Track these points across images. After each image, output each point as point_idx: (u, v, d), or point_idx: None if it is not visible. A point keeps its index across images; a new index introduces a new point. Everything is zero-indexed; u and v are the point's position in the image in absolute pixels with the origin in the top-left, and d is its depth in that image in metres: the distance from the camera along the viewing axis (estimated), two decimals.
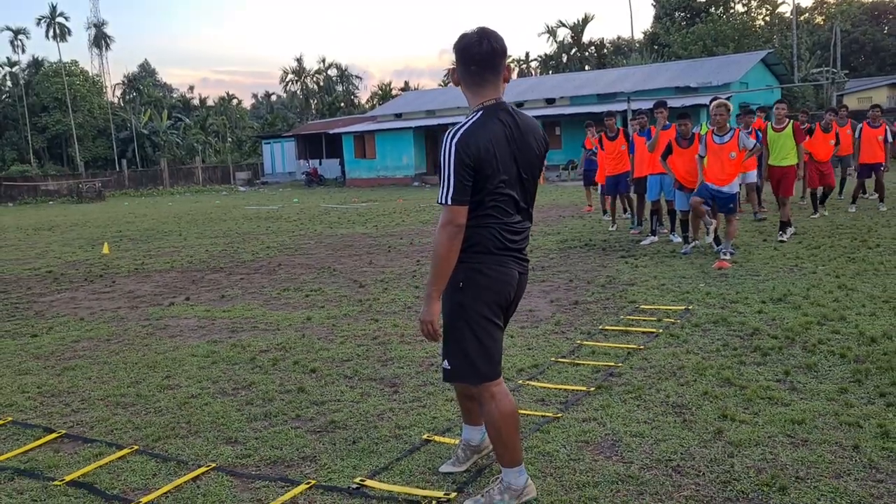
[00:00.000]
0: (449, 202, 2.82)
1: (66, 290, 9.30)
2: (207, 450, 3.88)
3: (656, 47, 54.71)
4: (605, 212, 13.93)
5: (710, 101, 8.89)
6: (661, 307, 6.56)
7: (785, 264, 8.23)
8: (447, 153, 2.85)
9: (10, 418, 4.52)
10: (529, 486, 3.12)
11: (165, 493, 3.39)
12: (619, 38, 71.29)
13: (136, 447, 3.95)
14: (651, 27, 60.70)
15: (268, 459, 3.73)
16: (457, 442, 3.67)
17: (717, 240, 9.24)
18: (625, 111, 28.90)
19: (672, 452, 3.51)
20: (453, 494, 3.21)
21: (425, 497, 3.19)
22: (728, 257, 8.54)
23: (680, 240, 9.90)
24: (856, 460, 3.34)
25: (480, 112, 2.95)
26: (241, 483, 3.47)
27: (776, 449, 3.49)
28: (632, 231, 11.82)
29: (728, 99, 31.77)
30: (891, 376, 4.39)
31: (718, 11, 55.65)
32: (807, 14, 59.94)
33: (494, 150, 2.87)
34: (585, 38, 70.07)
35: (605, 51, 69.81)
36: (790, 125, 10.17)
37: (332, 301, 7.69)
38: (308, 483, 3.40)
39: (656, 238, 10.66)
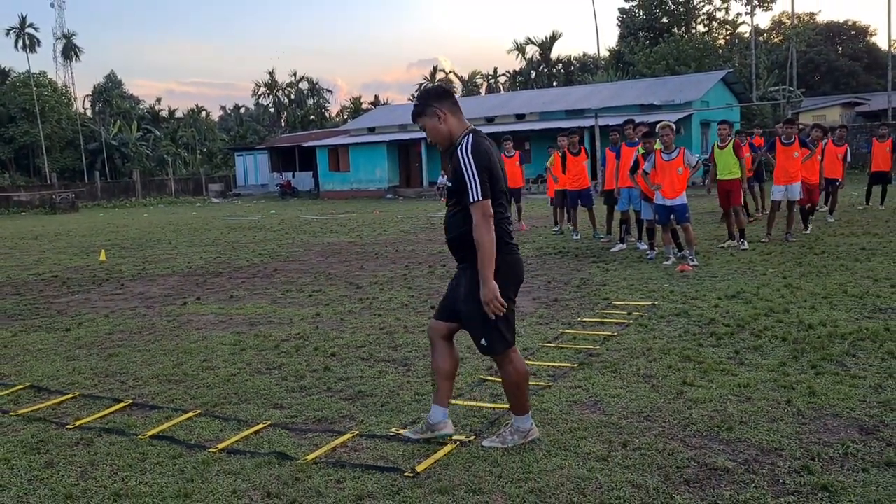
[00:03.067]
0: (479, 197, 3.59)
1: (78, 293, 9.95)
2: (259, 412, 4.67)
3: (621, 65, 56.31)
4: (556, 223, 15.12)
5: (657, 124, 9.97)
6: (630, 303, 7.47)
7: (739, 267, 9.22)
8: (467, 161, 3.62)
9: (78, 393, 5.25)
10: (534, 429, 3.96)
11: (236, 441, 4.17)
12: (585, 55, 73.11)
13: (198, 411, 4.72)
14: (616, 45, 62.42)
15: (313, 419, 4.52)
16: (467, 404, 4.52)
17: (679, 246, 10.21)
18: (592, 127, 30.07)
19: (643, 407, 4.39)
20: (472, 437, 4.04)
21: (451, 440, 4.01)
22: (692, 262, 9.48)
23: (646, 247, 10.85)
24: (787, 410, 4.24)
25: (473, 133, 3.76)
26: (295, 435, 4.26)
27: (725, 404, 4.38)
28: (601, 240, 12.82)
29: (689, 116, 32.70)
30: (822, 353, 5.32)
31: (681, 32, 57.51)
32: (765, 34, 62.13)
33: (494, 158, 3.72)
34: (553, 55, 71.70)
35: (573, 68, 71.45)
36: (731, 143, 11.19)
37: (334, 300, 8.47)
38: (353, 432, 4.21)
39: (625, 245, 11.62)
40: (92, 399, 5.11)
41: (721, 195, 11.25)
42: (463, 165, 3.63)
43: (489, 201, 3.61)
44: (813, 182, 12.38)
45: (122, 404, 4.95)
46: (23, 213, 38.19)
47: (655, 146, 9.96)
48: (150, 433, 4.34)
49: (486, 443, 3.93)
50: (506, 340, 3.81)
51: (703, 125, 35.69)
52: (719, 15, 60.19)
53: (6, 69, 72.09)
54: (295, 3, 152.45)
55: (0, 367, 6.05)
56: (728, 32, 60.65)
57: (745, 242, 10.87)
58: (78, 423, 4.56)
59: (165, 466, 3.84)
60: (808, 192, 12.37)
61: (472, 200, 3.61)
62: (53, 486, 3.66)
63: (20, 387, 5.44)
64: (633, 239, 11.94)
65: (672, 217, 9.70)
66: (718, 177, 11.21)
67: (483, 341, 3.81)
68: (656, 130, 9.84)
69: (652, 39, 56.34)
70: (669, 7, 58.90)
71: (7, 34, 69.81)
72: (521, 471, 3.58)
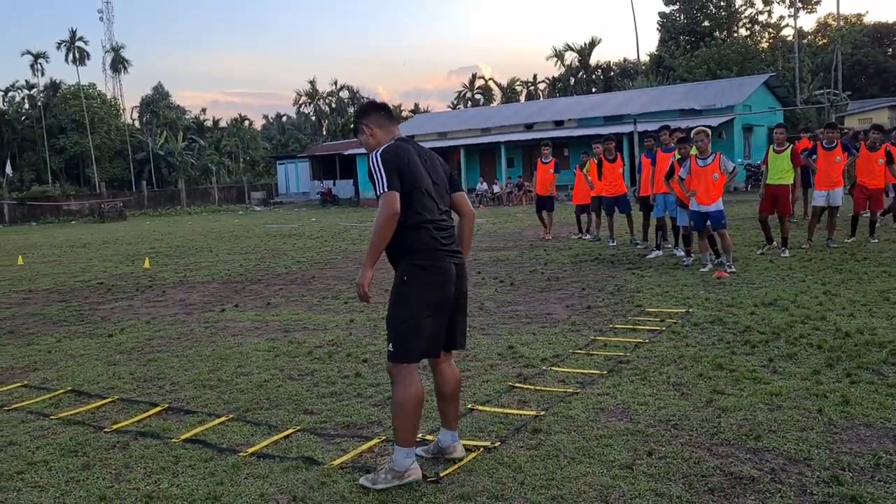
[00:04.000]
0: (385, 189, 3.54)
1: (122, 299, 10.20)
2: (290, 417, 4.75)
3: (661, 70, 55.82)
4: (584, 230, 15.17)
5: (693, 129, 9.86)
6: (664, 310, 7.41)
7: (778, 274, 9.08)
8: (376, 162, 3.61)
9: (116, 397, 5.40)
10: (414, 469, 3.58)
11: (266, 445, 4.25)
12: (625, 60, 72.62)
13: (231, 416, 4.81)
14: (656, 50, 61.88)
15: (342, 424, 4.58)
16: (494, 410, 4.55)
17: (716, 253, 10.09)
18: (631, 133, 29.85)
19: (671, 415, 4.36)
20: (497, 443, 4.06)
21: (476, 446, 4.04)
22: (729, 269, 9.35)
23: (682, 253, 10.74)
24: (818, 419, 4.18)
25: (396, 140, 3.79)
26: (323, 440, 4.33)
27: (755, 412, 4.33)
28: (637, 246, 12.74)
29: (731, 121, 32.42)
30: (858, 362, 5.22)
31: (722, 35, 56.80)
32: (809, 37, 61.01)
33: (409, 160, 3.66)
34: (592, 61, 71.38)
35: (612, 73, 71.02)
36: (790, 148, 10.97)
37: (369, 307, 8.55)
38: (379, 438, 4.26)
39: (661, 252, 11.52)
40: (130, 403, 5.25)
41: (766, 199, 11.06)
42: (371, 167, 3.64)
43: (396, 193, 3.54)
44: (872, 186, 11.68)
45: (158, 408, 5.07)
46: (73, 222, 39.21)
47: (691, 152, 9.87)
48: (183, 437, 4.45)
49: (361, 481, 3.61)
50: (405, 351, 3.62)
51: (746, 130, 35.19)
52: (762, 18, 59.46)
53: (57, 82, 74.28)
54: (336, 12, 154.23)
55: (43, 372, 6.25)
56: (771, 36, 59.76)
57: (787, 250, 10.69)
58: (115, 427, 4.69)
59: (197, 469, 3.93)
60: (867, 197, 11.75)
61: (378, 193, 3.58)
62: (89, 487, 3.77)
63: (61, 391, 5.61)
64: (669, 245, 11.84)
65: (708, 223, 9.59)
66: (768, 181, 11.01)
67: (390, 346, 3.68)
68: (692, 136, 9.75)
69: (693, 43, 55.77)
70: (711, 11, 58.30)
71: (58, 48, 71.98)
72: (545, 478, 3.59)
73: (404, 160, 3.65)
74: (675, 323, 6.79)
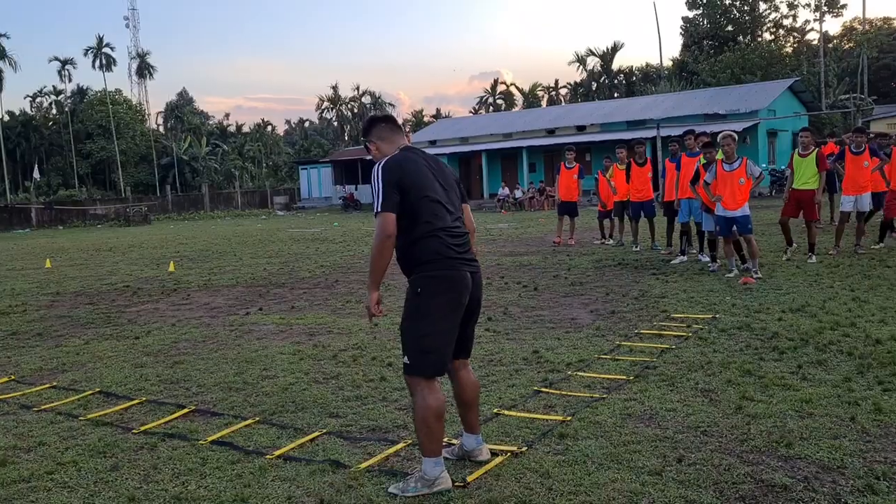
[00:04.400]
0: (379, 210, 3.52)
1: (147, 302, 10.29)
2: (316, 421, 4.75)
3: (685, 75, 55.50)
4: (606, 235, 15.12)
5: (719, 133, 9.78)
6: (690, 315, 7.35)
7: (805, 280, 8.97)
8: (376, 177, 3.57)
9: (144, 399, 5.43)
10: (444, 478, 3.54)
11: (292, 448, 4.25)
12: (647, 65, 72.25)
13: (257, 419, 4.83)
14: (679, 55, 61.54)
15: (367, 427, 4.58)
16: (520, 415, 4.53)
17: (741, 258, 9.99)
18: (654, 138, 29.70)
19: (700, 422, 4.31)
20: (524, 448, 4.03)
21: (502, 450, 4.02)
22: (756, 275, 9.25)
23: (708, 259, 10.65)
24: (851, 427, 4.11)
25: (401, 150, 3.79)
26: (349, 443, 4.32)
27: (786, 419, 4.27)
28: (661, 252, 12.66)
29: (755, 126, 32.15)
30: (891, 369, 5.14)
31: (746, 40, 56.37)
32: (835, 41, 60.34)
33: (411, 171, 3.61)
34: (615, 66, 71.10)
35: (634, 78, 70.70)
36: (815, 153, 10.83)
37: (393, 311, 8.53)
38: (406, 441, 4.25)
39: (686, 258, 11.43)
40: (157, 405, 5.28)
41: (790, 203, 10.90)
42: (372, 181, 3.61)
43: (391, 215, 3.51)
44: None
45: (185, 410, 5.10)
46: (98, 226, 39.65)
47: (717, 156, 9.78)
48: (210, 439, 4.47)
49: (390, 489, 3.58)
50: (427, 366, 3.57)
51: (770, 135, 34.89)
52: (786, 22, 58.89)
53: (84, 87, 75.29)
54: (359, 19, 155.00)
55: (72, 374, 6.31)
56: (796, 40, 59.19)
57: (814, 256, 10.56)
58: (143, 428, 4.73)
59: (224, 471, 3.95)
60: None
61: (375, 212, 3.57)
62: (117, 488, 3.80)
63: (89, 392, 5.66)
64: (694, 251, 11.75)
65: (734, 228, 9.50)
66: (794, 185, 10.85)
67: (405, 358, 3.62)
68: (718, 140, 9.66)
69: (716, 48, 55.42)
70: (734, 15, 57.88)
71: (85, 54, 72.96)
72: (573, 483, 3.56)
73: (408, 170, 3.60)
74: (702, 329, 6.72)
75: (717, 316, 7.24)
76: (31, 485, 3.89)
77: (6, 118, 73.22)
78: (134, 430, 4.69)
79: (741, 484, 3.47)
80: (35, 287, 12.69)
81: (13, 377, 6.30)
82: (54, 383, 6.01)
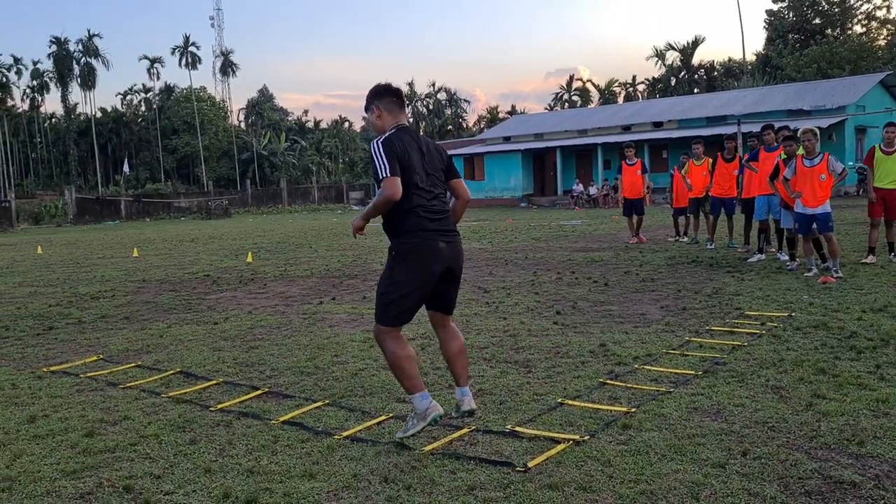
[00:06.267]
0: (388, 174, 3.92)
1: (226, 290, 10.67)
2: (383, 405, 4.88)
3: (768, 70, 53.81)
4: (681, 233, 14.79)
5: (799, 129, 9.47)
6: (765, 313, 7.18)
7: (889, 280, 8.64)
8: (377, 149, 3.99)
9: (221, 380, 5.67)
10: (433, 406, 4.04)
11: (360, 430, 4.38)
12: (729, 60, 70.29)
13: (326, 401, 4.99)
14: (763, 49, 59.67)
15: None
16: (584, 405, 4.55)
17: (822, 257, 9.69)
18: (734, 134, 28.94)
19: (768, 417, 4.24)
20: (586, 437, 4.06)
21: (565, 439, 4.05)
22: (836, 274, 8.95)
23: (786, 257, 10.36)
24: None
25: (397, 128, 4.15)
26: None
27: (859, 418, 4.16)
28: (737, 250, 12.38)
29: (842, 122, 31.01)
30: None
31: (834, 33, 54.24)
32: None
33: (407, 150, 4.02)
34: (695, 61, 69.47)
35: (716, 73, 68.94)
36: None
37: (461, 303, 8.64)
38: (470, 427, 4.33)
39: (764, 256, 11.14)
40: (233, 386, 5.51)
41: (878, 203, 10.32)
42: (373, 153, 4.02)
43: (397, 179, 3.92)
44: None
45: (258, 392, 5.30)
46: (182, 219, 41.15)
47: (798, 151, 9.51)
48: (282, 419, 4.64)
49: (396, 436, 4.12)
50: (387, 317, 4.11)
51: (858, 131, 33.50)
52: (879, 14, 56.30)
53: (171, 85, 78.08)
54: (435, 16, 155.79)
55: (155, 355, 6.63)
56: (890, 32, 56.56)
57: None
58: (219, 407, 4.94)
59: (294, 449, 4.11)
60: None
61: (381, 177, 3.94)
62: (195, 460, 4.00)
63: (171, 372, 5.94)
64: (772, 249, 11.44)
65: (814, 226, 9.22)
66: (879, 184, 10.25)
67: (377, 309, 4.19)
68: (799, 135, 9.39)
69: (802, 42, 53.53)
70: (822, 7, 55.77)
71: (172, 53, 75.72)
72: (634, 472, 3.57)
73: (402, 150, 4.02)
74: (776, 327, 6.57)
75: (793, 314, 7.06)
76: (115, 455, 4.13)
77: (99, 115, 76.63)
78: (211, 408, 4.92)
79: (808, 479, 3.41)
80: (123, 274, 13.30)
81: (102, 356, 6.67)
82: (139, 363, 6.33)
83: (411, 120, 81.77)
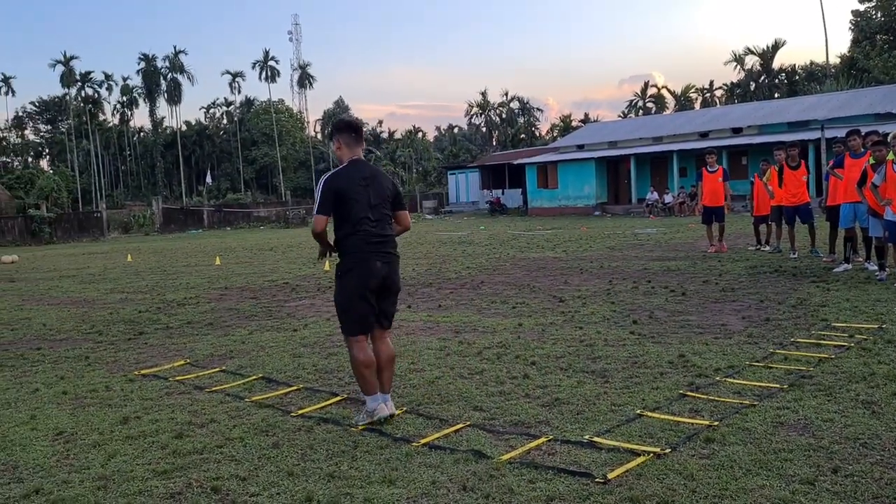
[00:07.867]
0: (315, 212, 4.79)
1: (305, 298, 10.91)
2: (460, 413, 4.91)
3: (854, 73, 51.79)
4: (762, 241, 14.51)
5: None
6: (853, 325, 6.92)
7: None
8: (319, 185, 4.79)
9: (301, 386, 5.81)
10: (380, 408, 4.70)
11: (437, 437, 4.42)
12: (811, 63, 68.02)
13: (404, 409, 5.05)
14: (848, 51, 57.50)
15: (510, 422, 4.67)
16: (664, 418, 4.47)
17: None
18: (818, 139, 27.98)
19: (860, 433, 4.09)
20: (668, 450, 3.99)
21: (645, 451, 3.99)
22: None
23: (875, 267, 9.95)
24: None
25: (349, 163, 4.83)
26: (492, 435, 4.44)
27: None
28: (822, 259, 11.95)
29: None
30: None
31: None
32: None
33: (346, 185, 4.70)
34: (776, 65, 67.49)
35: (797, 77, 66.79)
36: None
37: (537, 312, 8.62)
38: (547, 437, 4.31)
39: (850, 266, 10.73)
40: (313, 392, 5.63)
41: None
42: (316, 187, 4.82)
43: (323, 218, 4.74)
44: None
45: (338, 398, 5.41)
46: (261, 227, 42.24)
47: (888, 157, 9.13)
48: (361, 426, 4.72)
49: (354, 419, 4.80)
50: (348, 328, 4.79)
51: None
52: None
53: (251, 98, 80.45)
54: (507, 25, 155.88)
55: (238, 360, 6.84)
56: None
57: None
58: (301, 412, 5.06)
59: (373, 455, 4.17)
60: None
61: (314, 212, 4.83)
62: (278, 463, 4.10)
63: (254, 377, 6.12)
64: (860, 259, 11.00)
65: None
66: None
67: (339, 321, 4.92)
68: (889, 140, 9.01)
69: (891, 43, 51.29)
70: None
71: (252, 67, 77.93)
72: (718, 487, 3.50)
73: (342, 185, 4.70)
74: (866, 339, 6.32)
75: (884, 326, 6.78)
76: (203, 456, 4.28)
77: (184, 128, 79.48)
78: (293, 413, 5.04)
79: None
80: (206, 282, 13.75)
81: (188, 361, 6.92)
82: (223, 368, 6.54)
83: (484, 130, 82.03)
